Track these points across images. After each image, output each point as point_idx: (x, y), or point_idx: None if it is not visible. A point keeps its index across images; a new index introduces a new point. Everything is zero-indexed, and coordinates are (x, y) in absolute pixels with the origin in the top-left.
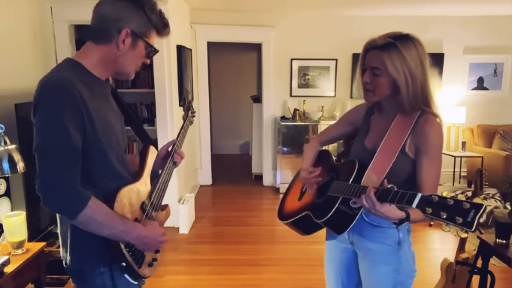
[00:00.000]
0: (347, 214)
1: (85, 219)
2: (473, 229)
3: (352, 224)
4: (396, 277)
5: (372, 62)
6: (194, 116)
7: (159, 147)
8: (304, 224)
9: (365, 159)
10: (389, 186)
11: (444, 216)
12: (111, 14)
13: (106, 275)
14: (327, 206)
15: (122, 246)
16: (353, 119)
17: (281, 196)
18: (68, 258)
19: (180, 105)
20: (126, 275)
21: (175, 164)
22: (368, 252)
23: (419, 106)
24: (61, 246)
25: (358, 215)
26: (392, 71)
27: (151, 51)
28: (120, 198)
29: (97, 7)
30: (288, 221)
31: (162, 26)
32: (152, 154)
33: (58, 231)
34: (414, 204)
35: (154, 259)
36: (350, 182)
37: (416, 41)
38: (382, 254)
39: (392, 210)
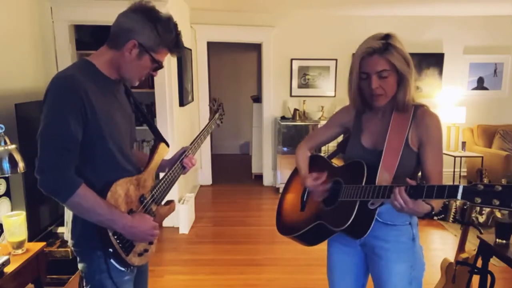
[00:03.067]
0: (365, 217)
1: (73, 204)
2: None
3: (371, 226)
4: (412, 273)
5: (376, 66)
6: (222, 118)
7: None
8: (313, 235)
9: (368, 159)
10: (418, 182)
11: (497, 203)
12: (125, 24)
13: (101, 259)
14: (343, 212)
15: (110, 234)
16: (343, 121)
17: None
18: (70, 240)
19: (209, 104)
20: (112, 261)
21: (184, 168)
22: (383, 252)
23: (410, 102)
24: (65, 228)
25: (375, 216)
26: (400, 67)
27: (157, 66)
28: (115, 188)
29: (119, 16)
30: (296, 234)
31: (174, 46)
32: (162, 151)
33: (65, 214)
34: (459, 196)
35: (146, 250)
36: (363, 184)
37: (397, 37)
38: (398, 252)
39: (422, 205)
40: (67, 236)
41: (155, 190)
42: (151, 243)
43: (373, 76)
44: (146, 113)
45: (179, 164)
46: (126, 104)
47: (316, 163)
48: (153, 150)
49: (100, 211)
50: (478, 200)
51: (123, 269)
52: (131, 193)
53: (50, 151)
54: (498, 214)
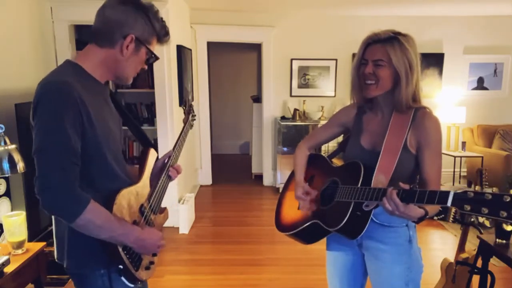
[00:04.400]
0: (360, 218)
1: (84, 222)
2: None
3: (366, 227)
4: (408, 275)
5: (375, 55)
6: (195, 119)
7: (159, 147)
8: (309, 233)
9: (366, 160)
10: (411, 186)
11: (486, 212)
12: (116, 18)
13: (105, 277)
14: (338, 212)
15: (120, 249)
16: (343, 120)
17: None
18: (66, 260)
19: (180, 106)
20: (123, 278)
21: (170, 178)
22: (380, 253)
23: (411, 104)
24: (55, 249)
25: (370, 218)
26: (395, 62)
27: (151, 58)
28: (119, 200)
29: (102, 10)
30: (292, 232)
31: (163, 34)
32: (152, 157)
33: (54, 234)
34: (449, 203)
35: (151, 262)
36: (359, 185)
37: (413, 39)
38: (395, 254)
39: (414, 210)
40: (59, 256)
41: (152, 199)
42: (154, 255)
43: (369, 63)
44: (132, 117)
45: (165, 174)
46: (114, 109)
47: (316, 162)
48: (145, 157)
49: (112, 227)
50: (468, 207)
51: (131, 285)
52: (133, 204)
53: (53, 167)
54: (486, 223)
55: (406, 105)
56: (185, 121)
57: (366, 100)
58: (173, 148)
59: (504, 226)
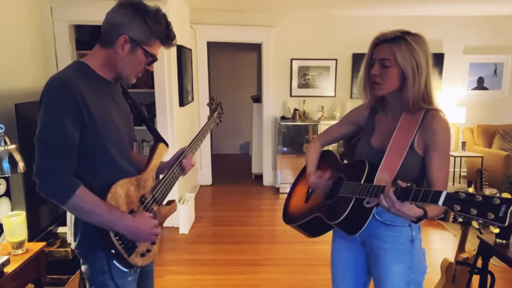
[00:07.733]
0: (360, 214)
1: (72, 206)
2: (506, 224)
3: (366, 224)
4: (409, 275)
5: (381, 54)
6: (221, 117)
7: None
8: (313, 226)
9: (374, 159)
10: (408, 184)
11: (475, 213)
12: (114, 20)
13: (103, 261)
14: (340, 207)
15: (112, 234)
16: (356, 119)
17: (281, 196)
18: (73, 241)
19: (207, 105)
20: (115, 262)
21: (183, 170)
22: (381, 252)
23: (421, 104)
24: (67, 230)
25: (371, 215)
26: (401, 61)
27: (152, 60)
28: (116, 189)
29: (107, 13)
30: (296, 224)
31: (165, 37)
32: (161, 151)
33: (67, 216)
34: (440, 202)
35: (148, 250)
36: (362, 182)
37: (423, 39)
38: (396, 253)
39: (411, 209)
40: (70, 238)
41: (155, 190)
42: (153, 243)
43: (376, 63)
44: (144, 113)
45: (177, 165)
46: (124, 105)
47: (326, 158)
48: (153, 150)
49: (99, 213)
50: (458, 207)
51: (126, 270)
52: (132, 194)
53: (47, 154)
54: (475, 224)
55: (415, 105)
56: (209, 118)
57: (378, 99)
58: (189, 145)
59: (492, 228)
